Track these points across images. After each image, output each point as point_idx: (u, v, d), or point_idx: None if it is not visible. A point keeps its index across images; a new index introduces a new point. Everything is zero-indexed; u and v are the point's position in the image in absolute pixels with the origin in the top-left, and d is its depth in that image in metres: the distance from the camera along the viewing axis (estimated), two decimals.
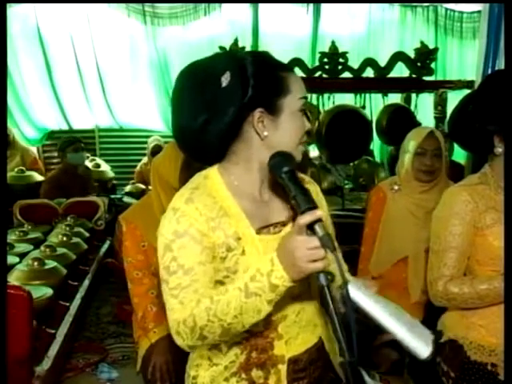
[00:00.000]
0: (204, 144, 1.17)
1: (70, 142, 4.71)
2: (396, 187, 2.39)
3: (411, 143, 2.33)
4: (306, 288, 1.21)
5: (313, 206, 1.01)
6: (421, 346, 1.16)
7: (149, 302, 1.95)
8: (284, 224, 1.21)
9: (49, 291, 2.76)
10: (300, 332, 1.23)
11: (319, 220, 0.99)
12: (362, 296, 1.12)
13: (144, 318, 1.95)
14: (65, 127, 6.01)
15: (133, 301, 1.99)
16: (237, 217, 1.16)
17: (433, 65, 4.16)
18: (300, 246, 0.98)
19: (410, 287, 2.28)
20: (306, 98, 1.20)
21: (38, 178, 4.90)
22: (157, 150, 5.57)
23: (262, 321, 1.13)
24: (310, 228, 0.99)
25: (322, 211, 1.27)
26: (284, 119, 1.14)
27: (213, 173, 1.21)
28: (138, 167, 5.82)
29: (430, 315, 1.86)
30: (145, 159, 5.77)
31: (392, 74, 4.14)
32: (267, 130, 1.14)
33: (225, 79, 1.10)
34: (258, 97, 1.12)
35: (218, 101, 1.11)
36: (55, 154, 5.00)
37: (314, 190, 1.33)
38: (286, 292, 1.06)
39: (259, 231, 1.18)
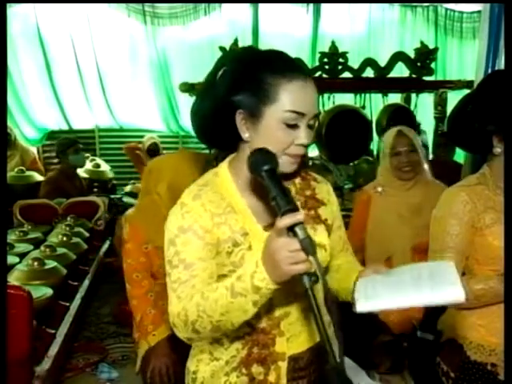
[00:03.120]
0: (201, 130, 1.25)
1: (70, 143, 4.69)
2: (380, 189, 2.43)
3: (385, 145, 2.41)
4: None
5: (293, 208, 0.98)
6: (449, 294, 1.08)
7: (148, 305, 1.95)
8: None
9: (49, 291, 2.75)
10: (302, 330, 1.24)
11: (300, 223, 0.96)
12: (373, 303, 1.09)
13: (142, 320, 1.94)
14: (65, 127, 6.01)
15: (131, 303, 1.99)
16: (244, 213, 1.18)
17: (433, 65, 4.16)
18: (280, 248, 0.96)
19: None
20: (299, 113, 1.11)
21: (38, 178, 4.90)
22: (153, 148, 5.54)
23: (265, 316, 1.15)
24: (291, 230, 0.96)
25: (330, 210, 1.29)
26: (263, 126, 1.12)
27: (223, 170, 1.23)
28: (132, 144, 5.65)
29: (430, 315, 1.86)
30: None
31: (392, 74, 4.14)
32: (249, 133, 1.15)
33: (220, 73, 1.16)
34: (240, 98, 1.13)
35: (208, 93, 1.19)
36: (55, 154, 5.00)
37: (326, 188, 1.33)
38: (290, 289, 1.06)
39: (267, 228, 1.18)
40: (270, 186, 1.01)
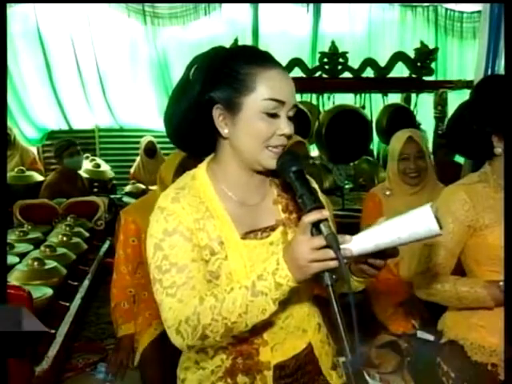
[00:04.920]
0: (178, 135, 1.22)
1: (65, 146, 4.66)
2: (388, 192, 2.47)
3: (394, 150, 2.42)
4: (294, 293, 1.16)
5: (319, 206, 1.00)
6: (426, 230, 0.99)
7: (124, 299, 2.10)
8: (273, 228, 1.18)
9: (49, 291, 2.75)
10: (287, 338, 1.20)
11: (325, 220, 0.97)
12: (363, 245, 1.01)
13: (114, 311, 2.10)
14: (65, 127, 6.02)
15: (111, 290, 2.13)
16: (221, 219, 1.13)
17: (433, 65, 4.16)
18: (302, 245, 0.97)
19: (399, 285, 2.33)
20: (278, 100, 1.07)
21: (38, 177, 4.90)
22: (150, 146, 5.56)
23: None
24: (316, 228, 0.98)
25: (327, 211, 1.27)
26: (242, 118, 1.09)
27: (201, 173, 1.19)
28: (132, 169, 5.78)
29: (430, 315, 1.86)
30: (138, 159, 5.73)
31: (392, 74, 4.13)
32: (228, 128, 1.11)
33: (191, 73, 1.13)
34: (216, 92, 1.10)
35: (183, 94, 1.15)
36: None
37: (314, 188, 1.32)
38: None
39: (245, 236, 1.14)
40: (298, 186, 1.04)
